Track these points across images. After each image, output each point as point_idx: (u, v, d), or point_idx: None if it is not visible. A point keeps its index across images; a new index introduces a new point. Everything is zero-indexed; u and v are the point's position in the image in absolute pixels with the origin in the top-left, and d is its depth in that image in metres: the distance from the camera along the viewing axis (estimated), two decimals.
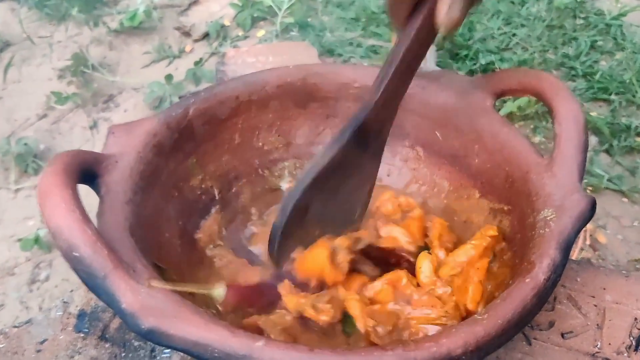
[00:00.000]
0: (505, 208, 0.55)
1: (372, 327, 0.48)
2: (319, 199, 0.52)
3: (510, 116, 1.06)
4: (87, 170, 0.47)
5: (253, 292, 0.52)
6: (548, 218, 0.47)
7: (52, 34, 1.31)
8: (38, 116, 1.11)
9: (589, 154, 0.79)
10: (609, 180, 0.91)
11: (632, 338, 0.54)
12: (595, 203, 0.47)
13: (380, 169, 0.58)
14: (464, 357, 0.39)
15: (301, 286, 0.52)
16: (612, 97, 1.08)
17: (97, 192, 0.49)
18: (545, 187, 0.50)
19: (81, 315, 0.57)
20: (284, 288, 0.51)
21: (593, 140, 1.00)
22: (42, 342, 0.55)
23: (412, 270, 0.53)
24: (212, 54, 1.24)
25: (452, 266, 0.53)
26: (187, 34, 1.30)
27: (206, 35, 1.30)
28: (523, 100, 1.02)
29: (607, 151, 1.00)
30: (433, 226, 0.56)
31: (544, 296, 0.43)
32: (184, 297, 0.41)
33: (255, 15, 1.31)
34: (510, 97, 0.96)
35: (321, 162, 0.51)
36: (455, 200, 0.61)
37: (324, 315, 0.48)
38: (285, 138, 0.65)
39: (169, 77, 1.11)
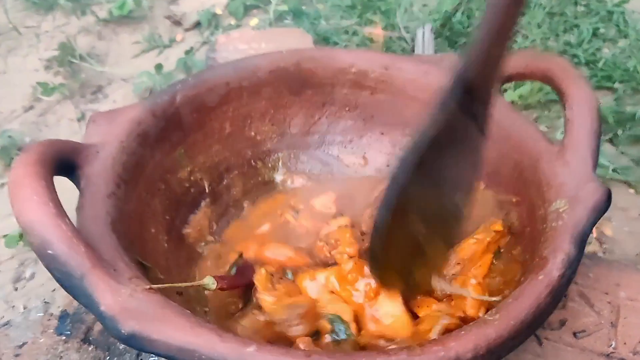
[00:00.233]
0: (514, 199, 0.53)
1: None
2: (421, 185, 0.42)
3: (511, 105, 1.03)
4: (64, 161, 0.44)
5: (235, 278, 0.52)
6: (561, 209, 0.45)
7: (39, 24, 1.29)
8: (24, 108, 1.08)
9: None
10: (614, 170, 0.89)
11: None
12: (611, 193, 0.45)
13: (379, 159, 0.55)
14: None
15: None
16: (616, 85, 1.06)
17: (77, 184, 0.46)
18: (557, 176, 0.47)
19: (63, 316, 0.55)
20: (259, 280, 0.49)
21: None
22: (20, 346, 0.53)
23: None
24: (204, 43, 1.22)
25: (452, 265, 0.51)
26: (177, 23, 1.28)
27: (197, 24, 1.28)
28: (525, 89, 1.00)
29: (611, 140, 0.97)
30: None
31: (559, 294, 0.41)
32: (170, 298, 0.39)
33: (248, 3, 1.30)
34: (513, 83, 0.94)
35: (428, 132, 0.40)
36: None
37: (294, 332, 0.46)
38: (279, 127, 0.63)
39: (159, 67, 1.09)
